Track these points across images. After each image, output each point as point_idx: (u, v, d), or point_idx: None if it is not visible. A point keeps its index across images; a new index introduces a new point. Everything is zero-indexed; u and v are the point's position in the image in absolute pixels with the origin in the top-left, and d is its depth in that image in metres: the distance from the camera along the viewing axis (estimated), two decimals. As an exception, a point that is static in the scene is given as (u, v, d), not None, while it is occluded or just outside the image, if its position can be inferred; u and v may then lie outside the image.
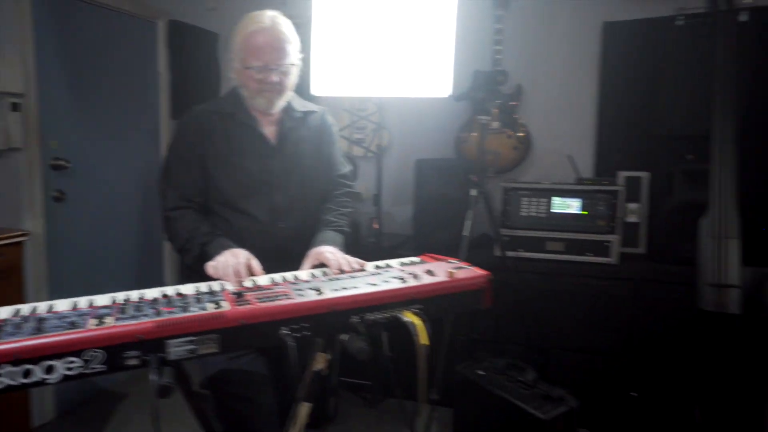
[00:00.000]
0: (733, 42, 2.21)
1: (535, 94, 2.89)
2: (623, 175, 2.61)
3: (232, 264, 1.39)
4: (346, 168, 1.90)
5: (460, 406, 2.30)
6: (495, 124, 2.80)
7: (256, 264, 1.44)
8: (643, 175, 2.59)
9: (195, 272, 1.48)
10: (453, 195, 2.60)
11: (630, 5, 2.71)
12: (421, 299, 1.26)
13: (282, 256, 1.57)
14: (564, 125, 2.87)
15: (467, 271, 1.35)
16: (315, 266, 1.52)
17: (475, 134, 2.79)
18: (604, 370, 2.41)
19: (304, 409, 1.31)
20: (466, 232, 2.19)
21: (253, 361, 1.56)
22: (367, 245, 2.79)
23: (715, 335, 1.99)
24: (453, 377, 2.27)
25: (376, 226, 2.85)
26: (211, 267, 1.43)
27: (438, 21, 2.15)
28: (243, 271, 1.38)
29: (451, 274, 1.32)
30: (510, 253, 2.48)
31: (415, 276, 1.31)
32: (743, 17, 2.47)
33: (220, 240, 1.53)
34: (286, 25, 1.63)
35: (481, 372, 2.21)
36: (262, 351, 1.58)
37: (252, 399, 1.56)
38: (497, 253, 2.47)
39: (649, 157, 2.69)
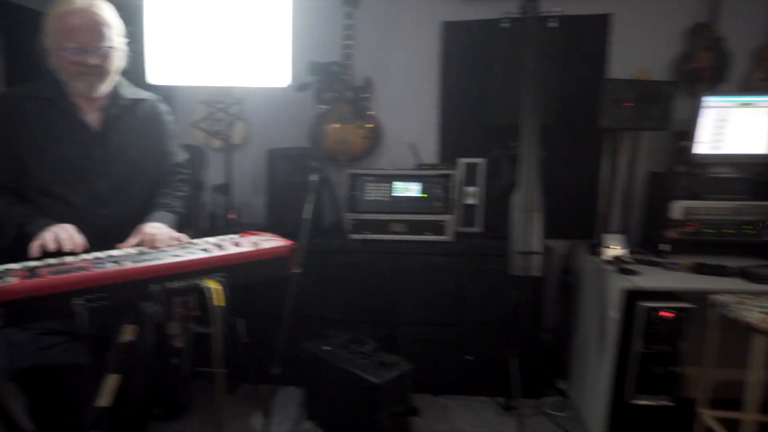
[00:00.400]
0: (538, 45, 2.53)
1: (385, 87, 3.07)
2: (462, 161, 2.86)
3: (67, 232, 1.39)
4: (180, 157, 1.92)
5: (308, 382, 2.40)
6: (345, 115, 2.95)
7: (79, 238, 1.45)
8: (480, 161, 2.85)
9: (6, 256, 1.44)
10: (304, 183, 2.69)
11: (465, 7, 2.97)
12: (225, 267, 1.34)
13: (103, 243, 1.57)
14: (411, 116, 3.08)
15: (273, 242, 1.46)
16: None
17: (328, 125, 2.92)
18: (443, 339, 2.64)
19: (111, 381, 1.33)
20: (306, 215, 2.30)
21: (66, 351, 1.53)
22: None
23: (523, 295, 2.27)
24: (301, 355, 2.38)
25: (233, 216, 2.88)
26: (38, 243, 1.40)
27: (274, 12, 2.24)
28: (77, 237, 1.39)
29: (255, 244, 1.42)
30: (357, 236, 2.63)
31: (221, 247, 1.39)
32: (553, 24, 2.82)
33: (41, 219, 1.51)
34: (103, 8, 1.63)
35: (326, 348, 2.33)
36: (78, 339, 1.56)
37: (68, 390, 1.53)
38: (345, 236, 2.61)
39: (485, 144, 2.96)
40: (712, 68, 2.71)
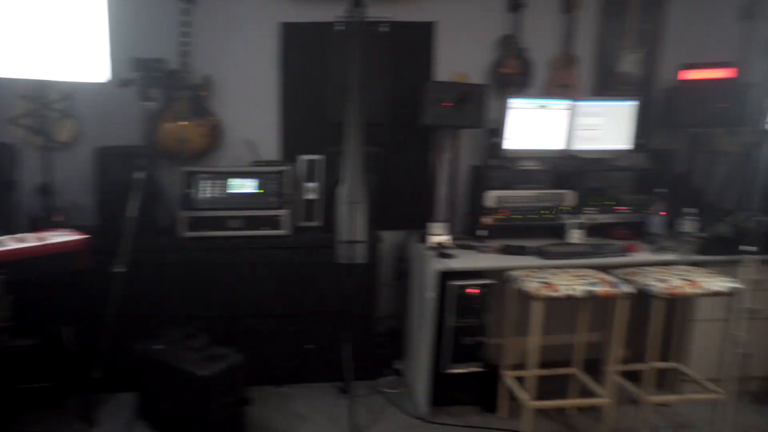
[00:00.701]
0: (364, 47, 2.70)
1: (226, 85, 3.07)
2: (303, 158, 2.95)
3: None
4: None
5: (140, 384, 2.35)
6: (183, 112, 2.91)
7: None
8: (319, 158, 2.96)
9: None
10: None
11: (302, 8, 3.07)
12: (4, 263, 1.29)
13: None
14: (253, 114, 3.11)
15: (62, 237, 1.43)
16: None
17: (166, 123, 2.86)
18: (284, 330, 2.72)
19: None
20: (131, 213, 2.25)
21: None
22: (44, 238, 2.63)
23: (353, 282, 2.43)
24: (133, 357, 2.32)
25: (59, 218, 2.71)
26: None
27: (87, 4, 2.16)
28: None
29: (42, 239, 1.38)
30: (193, 234, 2.61)
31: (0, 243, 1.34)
32: (384, 28, 3.02)
33: None
34: None
35: (157, 346, 2.29)
36: None
37: None
38: (180, 234, 2.58)
39: (326, 141, 3.08)
40: (519, 74, 3.08)
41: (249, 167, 2.79)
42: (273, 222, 2.69)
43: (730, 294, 2.18)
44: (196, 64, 2.95)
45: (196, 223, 2.64)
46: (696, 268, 2.37)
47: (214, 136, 3.03)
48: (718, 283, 2.18)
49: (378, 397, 2.66)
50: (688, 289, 2.14)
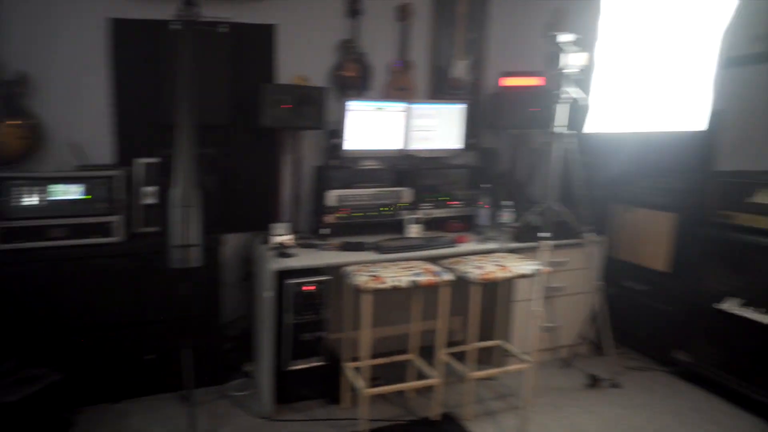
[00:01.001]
0: (195, 47, 2.64)
1: (47, 83, 2.83)
2: (140, 161, 2.81)
3: None
4: None
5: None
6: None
7: None
8: (158, 161, 2.84)
9: None
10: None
11: (134, 5, 2.92)
12: None
13: None
14: (81, 115, 2.90)
15: None
16: None
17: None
18: (121, 342, 2.58)
19: None
20: None
21: None
22: None
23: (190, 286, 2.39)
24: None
25: None
26: None
27: None
28: None
29: None
30: (6, 246, 2.39)
31: None
32: (224, 29, 2.97)
33: None
34: None
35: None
36: None
37: None
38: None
39: (165, 144, 2.96)
40: (358, 77, 3.21)
41: (74, 172, 2.60)
42: (103, 229, 2.55)
43: (533, 275, 2.48)
44: (8, 58, 2.70)
45: (10, 234, 2.42)
46: (510, 254, 2.66)
47: (33, 139, 2.79)
48: (524, 266, 2.47)
49: (224, 402, 2.64)
50: (499, 274, 2.40)
